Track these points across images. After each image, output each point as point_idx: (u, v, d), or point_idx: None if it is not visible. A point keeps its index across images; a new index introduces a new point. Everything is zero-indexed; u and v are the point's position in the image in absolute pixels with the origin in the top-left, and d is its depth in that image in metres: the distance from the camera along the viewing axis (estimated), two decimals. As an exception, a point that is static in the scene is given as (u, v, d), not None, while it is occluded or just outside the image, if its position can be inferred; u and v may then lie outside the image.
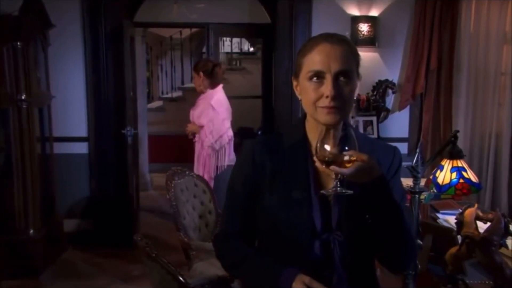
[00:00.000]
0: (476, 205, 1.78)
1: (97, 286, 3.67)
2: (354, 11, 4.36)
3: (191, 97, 6.85)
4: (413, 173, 1.86)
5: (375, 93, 4.40)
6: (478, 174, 4.04)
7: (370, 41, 4.30)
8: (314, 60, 1.25)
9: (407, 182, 1.95)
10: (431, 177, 2.26)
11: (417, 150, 1.86)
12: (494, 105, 4.19)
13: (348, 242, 1.29)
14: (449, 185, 2.12)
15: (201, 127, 3.80)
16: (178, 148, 6.81)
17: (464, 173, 2.12)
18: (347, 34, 4.22)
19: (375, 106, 4.40)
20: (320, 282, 1.20)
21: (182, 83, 8.33)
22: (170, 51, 8.43)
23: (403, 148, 4.29)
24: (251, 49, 9.16)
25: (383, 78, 4.38)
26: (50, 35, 4.09)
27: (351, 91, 1.25)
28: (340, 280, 1.30)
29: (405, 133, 4.51)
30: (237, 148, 3.96)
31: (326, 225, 1.29)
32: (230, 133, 3.87)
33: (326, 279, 1.26)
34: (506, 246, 1.71)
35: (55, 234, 4.12)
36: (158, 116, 7.70)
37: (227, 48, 8.59)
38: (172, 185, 2.89)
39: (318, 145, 1.19)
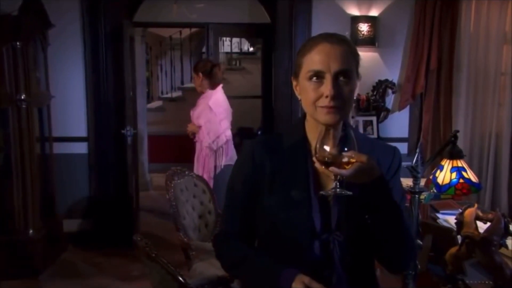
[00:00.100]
0: (476, 205, 1.77)
1: (97, 286, 3.67)
2: (354, 11, 4.35)
3: (190, 97, 6.85)
4: (413, 173, 1.86)
5: (375, 93, 4.40)
6: (478, 174, 4.04)
7: (370, 41, 4.30)
8: (314, 60, 1.25)
9: (407, 182, 1.95)
10: (431, 177, 2.26)
11: (417, 150, 1.86)
12: (494, 105, 4.19)
13: (347, 242, 1.29)
14: (449, 185, 2.12)
15: (200, 127, 3.82)
16: (177, 148, 6.81)
17: (464, 173, 2.12)
18: (347, 34, 4.22)
19: (375, 106, 4.40)
20: (320, 282, 1.19)
21: (182, 83, 8.33)
22: (170, 51, 8.42)
23: (403, 148, 4.29)
24: (251, 49, 9.15)
25: (383, 78, 4.38)
26: (49, 35, 4.09)
27: (350, 91, 1.25)
28: (339, 280, 1.29)
29: (405, 133, 4.51)
30: (237, 148, 3.97)
31: (325, 226, 1.29)
32: (228, 133, 3.86)
33: (325, 279, 1.25)
34: (506, 246, 1.71)
35: (55, 234, 4.12)
36: (157, 116, 7.70)
37: (227, 48, 8.58)
38: (172, 185, 2.89)
39: (318, 145, 1.19)
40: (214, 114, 3.77)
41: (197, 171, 3.78)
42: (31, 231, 3.74)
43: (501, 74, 4.18)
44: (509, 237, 1.70)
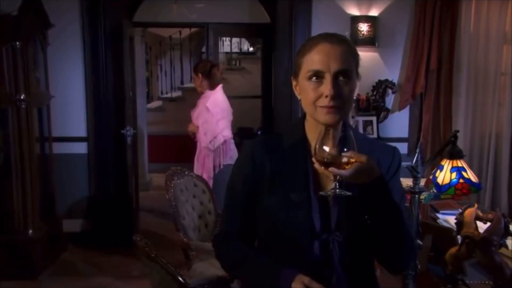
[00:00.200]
0: (476, 205, 1.77)
1: (97, 286, 3.66)
2: (354, 11, 4.35)
3: (190, 97, 6.86)
4: (413, 173, 1.85)
5: (375, 93, 4.39)
6: (478, 174, 4.04)
7: (370, 41, 4.30)
8: (314, 59, 1.25)
9: (407, 182, 1.95)
10: (431, 177, 2.25)
11: (417, 150, 1.85)
12: (494, 105, 4.19)
13: (347, 243, 1.29)
14: (449, 185, 2.11)
15: (198, 127, 3.83)
16: (177, 148, 6.81)
17: (464, 173, 2.12)
18: (346, 34, 4.22)
19: (375, 106, 4.39)
20: (320, 282, 1.19)
21: (182, 83, 8.33)
22: (170, 51, 8.42)
23: (403, 148, 4.29)
24: (251, 49, 9.15)
25: (383, 78, 4.38)
26: (49, 35, 4.09)
27: (350, 90, 1.25)
28: (339, 281, 1.29)
29: (405, 133, 4.51)
30: (238, 148, 3.97)
31: (325, 226, 1.29)
32: (226, 133, 3.86)
33: (325, 280, 1.25)
34: (506, 246, 1.71)
35: (55, 234, 4.12)
36: (157, 116, 7.70)
37: (226, 48, 8.58)
38: (172, 185, 2.89)
39: (317, 146, 1.19)
40: (211, 115, 3.78)
41: (197, 171, 3.79)
42: (30, 231, 3.73)
43: (501, 74, 4.18)
44: (509, 237, 1.70)
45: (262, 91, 5.52)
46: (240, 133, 5.86)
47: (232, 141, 3.95)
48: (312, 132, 1.31)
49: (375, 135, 4.35)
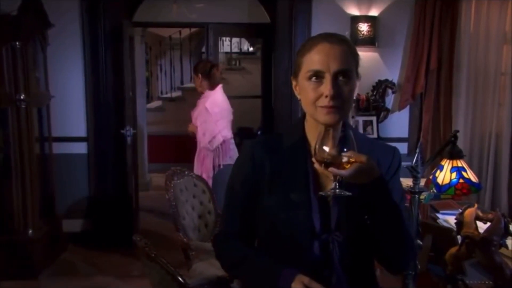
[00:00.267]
0: (476, 205, 1.77)
1: (97, 286, 3.66)
2: (353, 11, 4.35)
3: (190, 97, 6.86)
4: (413, 173, 1.85)
5: (375, 93, 4.39)
6: (478, 174, 4.04)
7: (370, 41, 4.30)
8: (313, 59, 1.25)
9: (407, 182, 1.95)
10: (431, 177, 2.25)
11: (417, 150, 1.85)
12: (494, 105, 4.18)
13: (347, 243, 1.29)
14: (449, 185, 2.11)
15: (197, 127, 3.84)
16: (177, 148, 6.81)
17: (464, 173, 2.12)
18: (346, 34, 4.22)
19: (375, 106, 4.39)
20: (319, 282, 1.19)
21: (182, 83, 8.33)
22: (170, 51, 8.42)
23: (403, 148, 4.29)
24: (251, 49, 9.15)
25: (383, 78, 4.38)
26: (49, 35, 4.09)
27: (350, 90, 1.25)
28: (339, 281, 1.29)
29: (405, 133, 4.51)
30: (238, 148, 3.97)
31: (325, 226, 1.29)
32: (225, 133, 3.85)
33: (325, 280, 1.25)
34: (506, 246, 1.71)
35: (54, 234, 4.12)
36: (157, 116, 7.70)
37: (226, 48, 8.58)
38: (172, 185, 2.89)
39: (317, 146, 1.19)
40: (210, 115, 3.79)
41: (197, 171, 3.80)
42: (30, 231, 3.73)
43: (501, 74, 4.18)
44: (509, 237, 1.70)
45: (262, 91, 5.52)
46: (240, 133, 5.86)
47: (232, 141, 3.95)
48: (312, 132, 1.31)
49: (375, 135, 4.35)
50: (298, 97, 1.32)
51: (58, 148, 4.28)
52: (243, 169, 1.37)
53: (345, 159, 1.16)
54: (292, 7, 4.32)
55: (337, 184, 1.20)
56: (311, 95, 1.25)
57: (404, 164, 1.48)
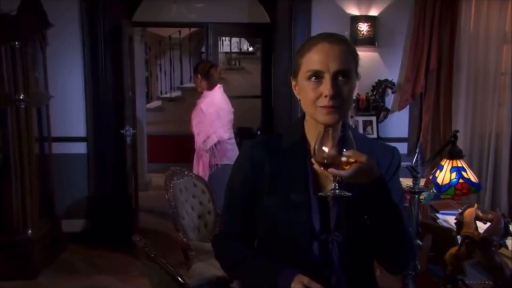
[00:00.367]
0: (476, 205, 1.77)
1: (96, 286, 3.66)
2: (353, 10, 4.35)
3: (190, 97, 6.86)
4: (413, 173, 1.85)
5: (374, 93, 4.39)
6: (478, 174, 4.03)
7: (370, 41, 4.30)
8: (313, 59, 1.25)
9: (406, 182, 1.95)
10: (430, 177, 2.25)
11: (417, 150, 1.85)
12: (494, 105, 4.18)
13: (346, 243, 1.28)
14: (449, 185, 2.11)
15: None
16: (177, 148, 6.81)
17: (463, 173, 2.11)
18: (346, 34, 4.22)
19: (374, 106, 4.39)
20: (319, 282, 1.19)
21: (181, 83, 8.32)
22: (169, 50, 8.41)
23: (402, 148, 4.29)
24: (251, 48, 9.15)
25: (382, 78, 4.38)
26: (48, 34, 4.08)
27: (350, 90, 1.25)
28: (339, 281, 1.29)
29: (404, 133, 4.50)
30: (238, 148, 3.97)
31: (324, 226, 1.29)
32: (220, 134, 3.84)
33: (325, 280, 1.25)
34: (506, 246, 1.71)
35: (54, 234, 4.11)
36: (157, 116, 7.70)
37: (226, 48, 8.58)
38: (171, 185, 2.88)
39: (316, 146, 1.18)
40: (204, 115, 3.80)
41: (195, 170, 3.82)
42: (30, 231, 3.73)
43: (501, 74, 4.17)
44: (509, 237, 1.70)
45: (262, 91, 5.52)
46: (240, 133, 5.86)
47: (232, 141, 3.95)
48: (312, 132, 1.31)
49: (374, 135, 4.35)
50: (298, 97, 1.32)
51: (58, 148, 4.27)
52: (242, 169, 1.37)
53: (344, 159, 1.15)
54: (292, 7, 4.32)
55: (336, 184, 1.19)
56: (311, 95, 1.25)
57: (404, 164, 1.48)
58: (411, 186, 1.89)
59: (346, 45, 1.26)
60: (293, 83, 1.34)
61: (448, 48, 4.23)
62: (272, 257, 1.30)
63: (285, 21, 4.39)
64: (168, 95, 8.26)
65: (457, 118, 4.24)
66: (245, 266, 1.34)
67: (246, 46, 9.16)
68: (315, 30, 4.21)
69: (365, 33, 4.28)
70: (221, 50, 8.11)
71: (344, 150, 1.17)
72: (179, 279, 1.72)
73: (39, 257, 3.78)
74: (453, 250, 1.79)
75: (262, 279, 1.27)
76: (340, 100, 1.23)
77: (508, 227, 1.67)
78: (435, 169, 2.22)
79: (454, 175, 2.11)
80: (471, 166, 2.44)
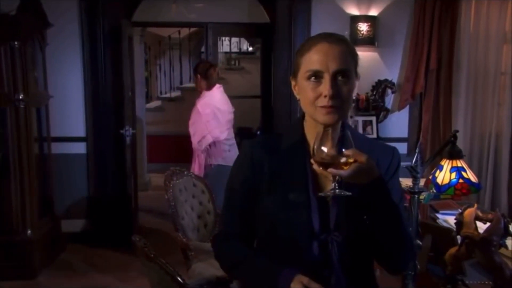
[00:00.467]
0: (475, 205, 1.77)
1: (96, 286, 3.66)
2: (353, 10, 4.35)
3: (189, 97, 6.85)
4: (413, 173, 1.85)
5: (374, 93, 4.39)
6: (478, 174, 4.04)
7: (370, 41, 4.30)
8: (312, 59, 1.25)
9: (406, 182, 1.94)
10: (430, 177, 2.25)
11: (417, 150, 1.85)
12: (494, 105, 4.18)
13: (346, 243, 1.28)
14: (449, 185, 2.11)
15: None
16: (176, 148, 6.80)
17: (463, 173, 2.11)
18: (346, 33, 4.22)
19: (374, 106, 4.39)
20: (319, 282, 1.19)
21: (181, 83, 8.32)
22: (169, 50, 8.41)
23: (402, 148, 4.29)
24: (250, 48, 9.15)
25: (382, 78, 4.38)
26: (48, 34, 4.08)
27: (349, 90, 1.25)
28: (338, 281, 1.29)
29: (404, 133, 4.50)
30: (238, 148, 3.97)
31: (324, 226, 1.28)
32: (216, 134, 3.84)
33: (324, 280, 1.25)
34: (506, 247, 1.70)
35: (53, 234, 4.11)
36: (156, 116, 7.70)
37: (226, 48, 8.58)
38: (171, 185, 2.88)
39: (315, 146, 1.18)
40: (200, 116, 3.81)
41: (193, 169, 3.82)
42: (29, 231, 3.73)
43: (501, 74, 4.18)
44: (509, 237, 1.70)
45: (262, 91, 5.51)
46: (240, 133, 5.86)
47: (228, 142, 3.94)
48: (311, 132, 1.31)
49: (374, 135, 4.35)
50: (297, 97, 1.32)
51: (57, 148, 4.27)
52: (242, 169, 1.37)
53: (343, 159, 1.15)
54: (292, 7, 4.32)
55: (336, 184, 1.19)
56: (310, 95, 1.25)
57: (403, 164, 1.48)
58: (411, 186, 1.89)
59: (345, 45, 1.26)
60: (293, 83, 1.34)
61: (448, 48, 4.23)
62: (272, 257, 1.30)
63: (285, 21, 4.39)
64: (167, 95, 8.26)
65: (457, 118, 4.24)
66: (245, 266, 1.34)
67: (246, 46, 9.16)
68: (315, 30, 4.21)
69: (365, 33, 4.28)
70: (221, 50, 8.10)
71: (343, 150, 1.16)
72: (179, 279, 1.72)
73: (39, 257, 3.78)
74: (453, 250, 1.78)
75: (262, 279, 1.27)
76: (339, 100, 1.23)
77: (508, 227, 1.67)
78: (434, 169, 2.21)
79: (454, 175, 2.10)
80: (471, 166, 2.44)
